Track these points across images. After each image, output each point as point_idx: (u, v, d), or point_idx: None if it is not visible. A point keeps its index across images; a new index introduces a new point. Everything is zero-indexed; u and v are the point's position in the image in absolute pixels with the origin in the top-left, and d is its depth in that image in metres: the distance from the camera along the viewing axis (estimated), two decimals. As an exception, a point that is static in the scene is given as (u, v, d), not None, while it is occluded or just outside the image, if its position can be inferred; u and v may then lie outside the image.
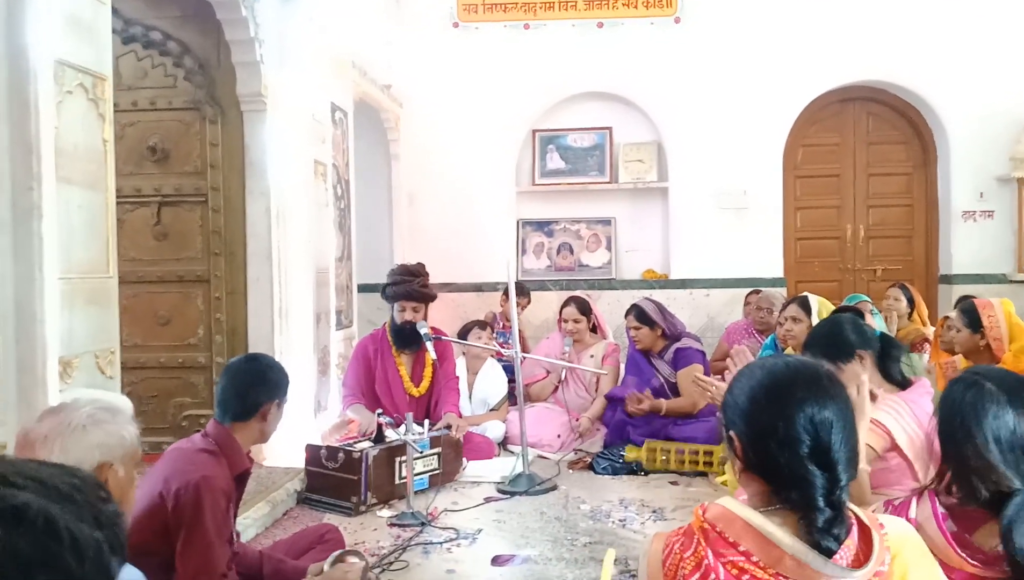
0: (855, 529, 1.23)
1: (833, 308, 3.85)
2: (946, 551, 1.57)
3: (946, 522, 1.61)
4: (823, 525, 1.19)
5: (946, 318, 3.98)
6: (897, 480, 2.37)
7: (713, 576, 1.20)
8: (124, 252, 3.93)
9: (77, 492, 0.91)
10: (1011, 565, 1.49)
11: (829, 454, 1.22)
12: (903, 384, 2.57)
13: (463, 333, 5.06)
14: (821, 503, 1.20)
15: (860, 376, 2.37)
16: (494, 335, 5.29)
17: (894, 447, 2.38)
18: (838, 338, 2.58)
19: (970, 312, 3.58)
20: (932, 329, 5.31)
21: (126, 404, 1.69)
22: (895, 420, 2.40)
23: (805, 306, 3.95)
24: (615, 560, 3.03)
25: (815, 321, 3.69)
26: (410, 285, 4.42)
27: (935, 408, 1.81)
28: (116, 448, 1.60)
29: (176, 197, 4.30)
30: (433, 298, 4.54)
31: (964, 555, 1.54)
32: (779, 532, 1.19)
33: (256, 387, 2.37)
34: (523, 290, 6.06)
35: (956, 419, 1.62)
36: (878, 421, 2.40)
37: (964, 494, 1.62)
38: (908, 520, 1.63)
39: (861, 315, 4.73)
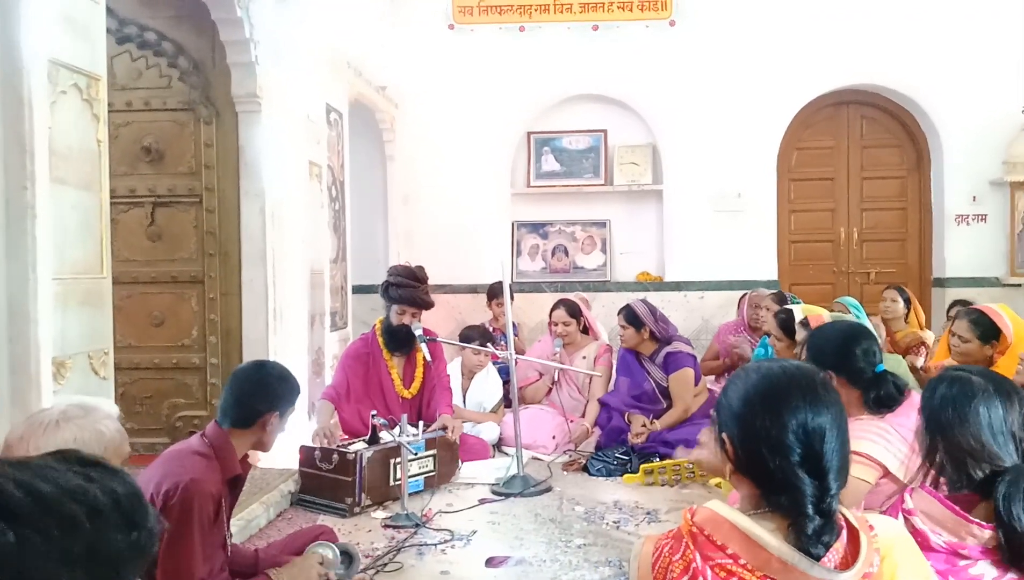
0: (844, 531, 1.23)
1: (809, 312, 3.69)
2: (959, 526, 1.53)
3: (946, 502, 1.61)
4: (812, 532, 1.19)
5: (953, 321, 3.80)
6: (889, 502, 2.27)
7: (701, 579, 1.21)
8: (118, 253, 3.93)
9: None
10: (1002, 537, 1.50)
11: (820, 462, 1.23)
12: (892, 403, 2.46)
13: (462, 338, 4.97)
14: (811, 511, 1.20)
15: None
16: (500, 344, 5.04)
17: (886, 475, 2.31)
18: (820, 350, 2.55)
19: (983, 324, 3.35)
20: (930, 333, 5.31)
21: (109, 406, 1.69)
22: (884, 448, 2.31)
23: (786, 327, 3.71)
24: (608, 561, 3.04)
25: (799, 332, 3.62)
26: (416, 291, 4.36)
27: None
28: (93, 443, 1.58)
29: (170, 198, 4.29)
30: (431, 306, 4.48)
31: (976, 521, 1.53)
32: (766, 535, 1.20)
33: (257, 396, 2.35)
34: (502, 291, 5.99)
35: (948, 409, 1.67)
36: (866, 453, 2.29)
37: (957, 478, 1.64)
38: (905, 512, 1.61)
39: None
